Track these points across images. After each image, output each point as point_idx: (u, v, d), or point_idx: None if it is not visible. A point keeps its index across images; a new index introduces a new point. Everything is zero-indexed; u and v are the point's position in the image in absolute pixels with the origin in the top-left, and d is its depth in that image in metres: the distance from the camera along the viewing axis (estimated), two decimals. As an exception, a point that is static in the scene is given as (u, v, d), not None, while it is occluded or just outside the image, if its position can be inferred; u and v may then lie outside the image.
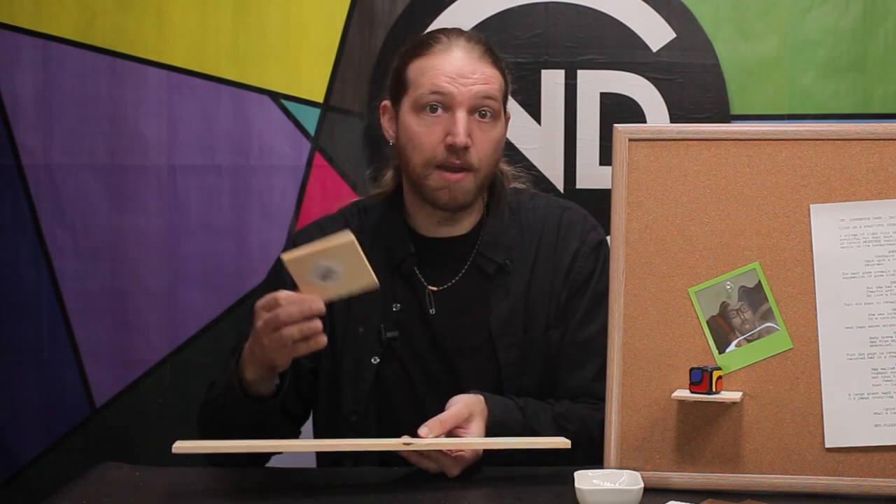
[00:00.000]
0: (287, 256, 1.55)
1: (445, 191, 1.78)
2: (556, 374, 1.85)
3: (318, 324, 1.58)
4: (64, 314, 2.59)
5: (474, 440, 1.63)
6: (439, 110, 1.77)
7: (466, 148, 1.76)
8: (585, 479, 1.49)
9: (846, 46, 2.51)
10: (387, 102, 1.88)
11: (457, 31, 1.84)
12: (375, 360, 1.84)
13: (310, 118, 2.55)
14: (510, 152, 2.50)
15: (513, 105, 2.50)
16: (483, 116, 1.78)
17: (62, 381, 2.59)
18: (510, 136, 2.50)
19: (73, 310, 2.59)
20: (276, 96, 2.56)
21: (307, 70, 2.55)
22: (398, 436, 1.78)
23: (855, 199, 1.57)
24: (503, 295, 1.85)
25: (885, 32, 2.50)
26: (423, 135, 1.78)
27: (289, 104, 2.56)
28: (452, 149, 1.76)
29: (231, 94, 2.56)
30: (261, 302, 1.61)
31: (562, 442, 1.59)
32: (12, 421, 2.60)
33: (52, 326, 2.59)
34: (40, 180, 2.58)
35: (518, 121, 2.53)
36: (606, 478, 1.51)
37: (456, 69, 1.77)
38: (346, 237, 1.53)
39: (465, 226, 1.88)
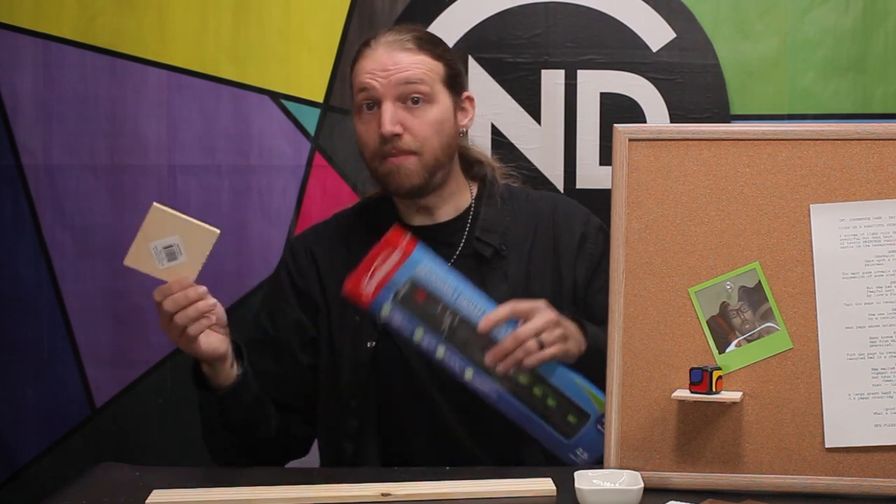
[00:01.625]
0: (126, 261, 1.63)
1: (392, 176, 1.85)
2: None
3: (210, 302, 1.68)
4: (64, 314, 2.59)
5: (452, 491, 1.57)
6: (374, 108, 1.85)
7: (398, 136, 1.83)
8: (585, 479, 1.50)
9: (846, 46, 2.51)
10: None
11: (386, 29, 1.92)
12: (371, 344, 1.87)
13: (310, 118, 2.55)
14: (508, 152, 2.50)
15: (513, 105, 2.52)
16: (415, 103, 1.85)
17: (62, 381, 2.59)
18: (510, 135, 2.53)
19: (73, 310, 2.59)
20: (276, 96, 2.56)
21: (307, 70, 2.55)
22: (399, 419, 1.87)
23: (855, 199, 1.57)
24: (501, 279, 1.88)
25: (885, 32, 2.50)
26: (364, 132, 1.87)
27: (289, 104, 2.56)
28: (384, 139, 1.83)
29: (231, 94, 2.56)
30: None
31: (547, 487, 1.57)
32: (12, 421, 2.60)
33: (52, 326, 2.59)
34: (40, 180, 2.57)
35: (518, 121, 2.53)
36: (606, 478, 1.51)
37: (377, 64, 1.85)
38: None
39: (447, 212, 1.93)
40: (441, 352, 1.73)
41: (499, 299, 1.84)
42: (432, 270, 1.73)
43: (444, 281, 1.73)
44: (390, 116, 1.82)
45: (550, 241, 1.93)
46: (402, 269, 1.73)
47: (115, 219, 2.57)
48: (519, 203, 1.96)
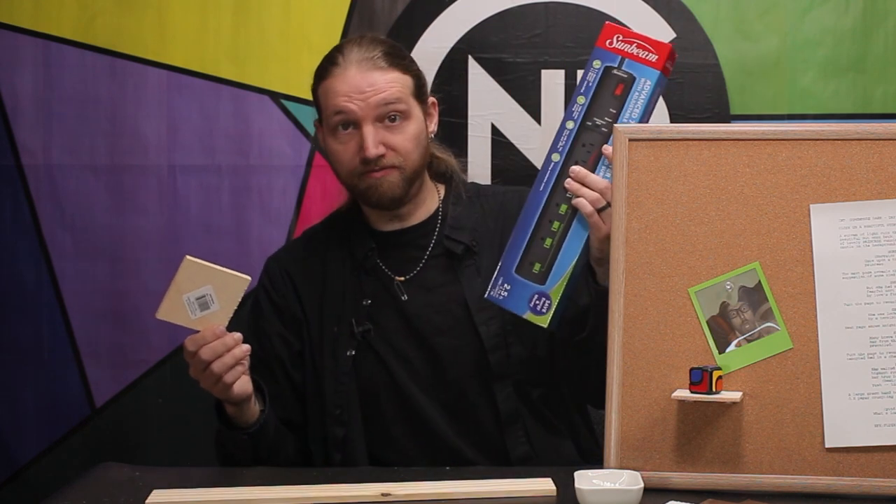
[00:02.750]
0: (158, 315, 1.64)
1: (374, 189, 1.86)
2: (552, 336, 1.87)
3: (244, 348, 1.72)
4: (64, 314, 2.59)
5: (452, 491, 1.58)
6: (350, 128, 1.85)
7: (382, 156, 1.83)
8: (585, 479, 1.50)
9: (846, 46, 2.51)
10: (317, 121, 1.95)
11: (352, 44, 1.89)
12: (350, 353, 1.88)
13: (310, 118, 2.55)
14: (508, 152, 2.50)
15: (513, 105, 2.52)
16: (392, 121, 1.85)
17: (62, 381, 2.59)
18: (510, 135, 2.54)
19: (73, 310, 2.59)
20: (276, 96, 2.56)
21: (307, 70, 2.53)
22: (384, 424, 1.88)
23: (855, 199, 1.57)
24: (474, 273, 1.90)
25: (885, 32, 2.50)
26: (341, 152, 1.87)
27: (289, 104, 2.56)
28: (365, 161, 1.84)
29: (231, 94, 2.56)
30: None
31: (547, 487, 1.57)
32: (12, 421, 2.60)
33: (52, 326, 2.59)
34: (40, 180, 2.58)
35: (518, 121, 2.53)
36: (606, 478, 1.51)
37: (352, 87, 1.84)
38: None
39: (419, 216, 1.94)
40: (570, 126, 1.76)
41: (474, 294, 1.88)
42: (645, 91, 1.74)
43: (639, 105, 1.74)
44: (372, 139, 1.82)
45: None
46: (638, 64, 1.75)
47: (115, 219, 2.57)
48: (486, 199, 1.97)
